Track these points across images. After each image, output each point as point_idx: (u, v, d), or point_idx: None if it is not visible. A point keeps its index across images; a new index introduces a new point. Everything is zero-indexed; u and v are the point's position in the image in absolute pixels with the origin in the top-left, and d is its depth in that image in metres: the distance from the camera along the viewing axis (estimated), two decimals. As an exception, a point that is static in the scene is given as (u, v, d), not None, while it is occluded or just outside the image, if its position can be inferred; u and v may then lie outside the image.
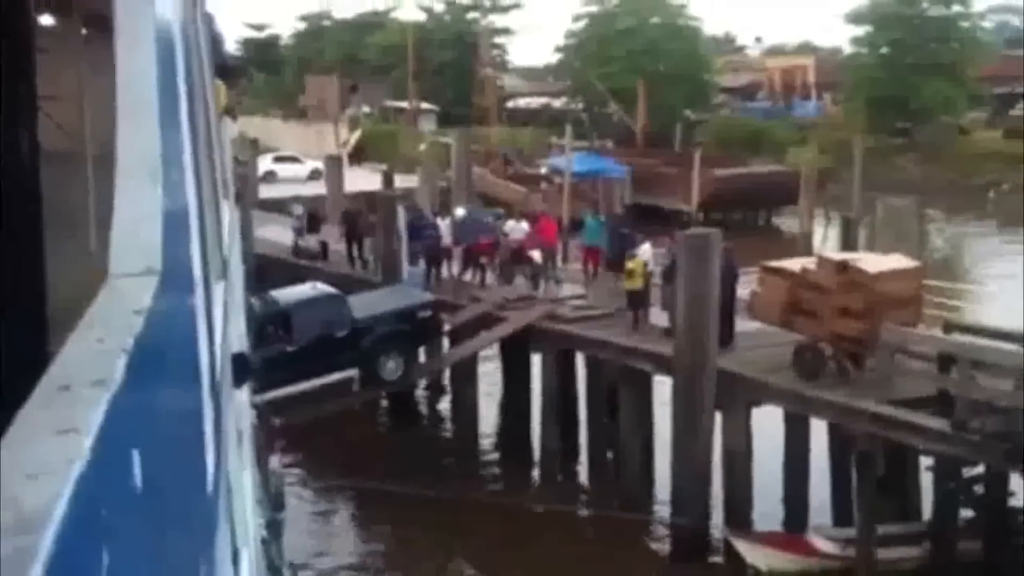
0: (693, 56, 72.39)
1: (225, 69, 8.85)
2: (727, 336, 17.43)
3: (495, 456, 21.46)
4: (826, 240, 36.10)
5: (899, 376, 15.45)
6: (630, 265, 19.36)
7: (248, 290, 11.80)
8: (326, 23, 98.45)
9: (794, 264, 17.03)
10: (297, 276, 23.54)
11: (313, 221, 28.28)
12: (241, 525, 4.02)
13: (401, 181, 40.04)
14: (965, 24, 66.38)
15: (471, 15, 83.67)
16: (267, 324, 18.82)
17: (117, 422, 1.19)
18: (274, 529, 8.46)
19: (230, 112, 10.35)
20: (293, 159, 54.05)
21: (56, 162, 4.79)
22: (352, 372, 20.00)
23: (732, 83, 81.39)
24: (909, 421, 14.47)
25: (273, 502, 9.91)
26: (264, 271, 23.63)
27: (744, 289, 18.10)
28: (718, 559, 16.37)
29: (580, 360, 20.92)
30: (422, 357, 22.70)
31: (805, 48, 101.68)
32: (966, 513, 15.43)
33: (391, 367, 20.33)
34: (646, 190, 44.17)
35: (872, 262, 16.58)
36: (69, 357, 1.34)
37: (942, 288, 23.62)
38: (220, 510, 2.71)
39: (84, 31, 8.42)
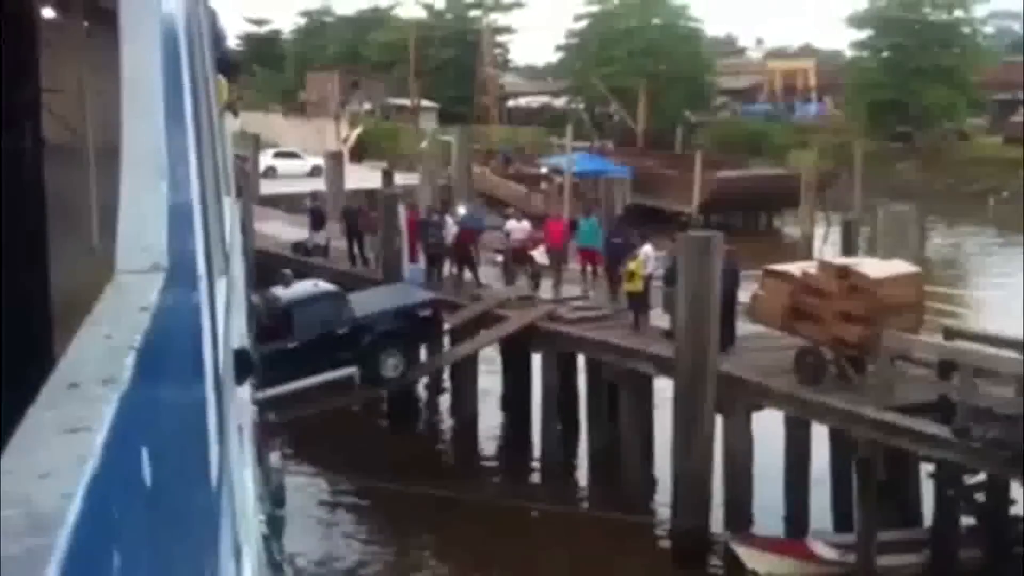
0: (694, 58, 72.55)
1: (227, 65, 8.82)
2: (728, 339, 17.40)
3: (495, 456, 21.45)
4: (826, 243, 36.06)
5: (900, 382, 15.40)
6: (631, 266, 19.31)
7: (249, 286, 11.77)
8: (327, 19, 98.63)
9: (796, 268, 17.00)
10: (298, 273, 23.45)
11: (319, 217, 28.12)
12: (243, 521, 4.00)
13: (401, 179, 40.05)
14: (966, 30, 66.55)
15: (473, 13, 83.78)
16: (268, 321, 18.79)
17: (127, 420, 1.18)
18: (275, 525, 8.42)
19: (231, 108, 10.34)
20: (293, 155, 54.07)
21: (58, 156, 4.76)
22: (352, 370, 19.95)
23: (733, 85, 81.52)
24: (910, 427, 14.42)
25: (274, 498, 9.88)
26: (264, 268, 23.56)
27: (745, 292, 18.07)
28: (717, 563, 16.33)
29: (580, 360, 20.90)
30: (423, 355, 22.67)
31: (806, 51, 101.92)
32: (967, 520, 15.38)
33: (391, 365, 20.32)
34: (647, 191, 44.14)
35: (874, 267, 16.55)
36: (77, 355, 1.34)
37: (941, 294, 23.61)
38: (223, 506, 2.71)
39: (85, 24, 8.38)
